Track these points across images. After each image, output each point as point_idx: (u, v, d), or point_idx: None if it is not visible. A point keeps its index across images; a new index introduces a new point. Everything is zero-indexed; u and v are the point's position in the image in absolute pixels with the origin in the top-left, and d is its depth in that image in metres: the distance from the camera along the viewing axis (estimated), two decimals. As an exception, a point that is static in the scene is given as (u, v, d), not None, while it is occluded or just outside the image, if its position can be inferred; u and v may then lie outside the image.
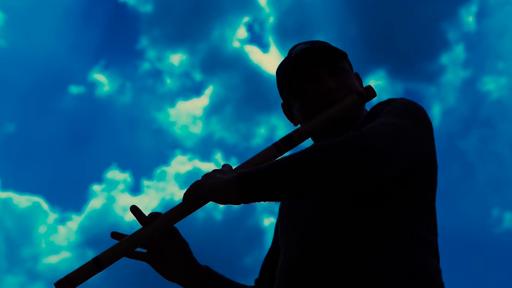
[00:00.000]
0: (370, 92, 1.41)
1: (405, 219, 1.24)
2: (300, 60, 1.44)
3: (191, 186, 1.31)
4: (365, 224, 1.22)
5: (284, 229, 1.36)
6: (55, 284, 1.26)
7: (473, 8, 10.72)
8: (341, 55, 1.46)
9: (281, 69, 1.50)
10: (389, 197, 1.25)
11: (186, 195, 1.31)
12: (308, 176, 1.14)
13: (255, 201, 1.21)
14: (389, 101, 1.34)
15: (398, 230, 1.22)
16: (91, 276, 1.27)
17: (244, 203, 1.22)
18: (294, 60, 1.45)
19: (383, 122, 1.22)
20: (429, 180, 1.31)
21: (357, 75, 1.52)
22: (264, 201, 1.21)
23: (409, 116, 1.26)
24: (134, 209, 1.33)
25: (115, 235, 1.33)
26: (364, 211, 1.24)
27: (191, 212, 1.32)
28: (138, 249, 1.37)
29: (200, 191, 1.29)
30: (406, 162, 1.20)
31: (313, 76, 1.43)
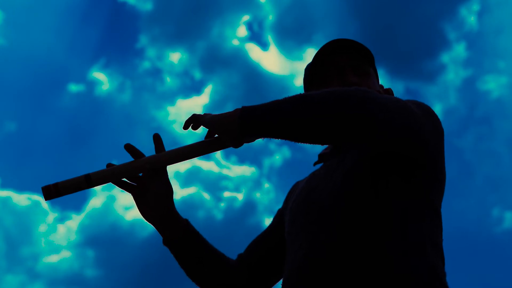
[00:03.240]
0: (389, 93, 1.42)
1: (413, 220, 1.23)
2: (327, 53, 1.48)
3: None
4: (374, 225, 1.22)
5: (294, 230, 1.35)
6: (42, 188, 1.29)
7: (475, 7, 10.72)
8: (369, 60, 1.50)
9: (310, 62, 1.53)
10: (398, 198, 1.24)
11: (192, 116, 1.33)
12: (307, 116, 1.15)
13: (253, 136, 1.22)
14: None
15: (406, 230, 1.22)
16: (78, 190, 1.30)
17: (242, 137, 1.22)
18: (321, 52, 1.49)
19: (393, 96, 1.23)
20: (435, 179, 1.29)
21: (382, 87, 1.53)
22: (263, 136, 1.21)
23: (419, 106, 1.27)
24: (129, 147, 1.35)
25: (128, 147, 1.35)
26: (373, 212, 1.23)
27: (188, 158, 1.33)
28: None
29: (204, 116, 1.30)
30: (407, 130, 1.17)
31: (336, 70, 1.47)
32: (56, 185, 1.29)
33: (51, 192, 1.29)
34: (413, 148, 1.21)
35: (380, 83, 1.56)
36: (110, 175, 1.32)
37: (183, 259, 1.44)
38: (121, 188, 1.37)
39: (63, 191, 1.29)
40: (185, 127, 1.34)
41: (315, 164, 1.50)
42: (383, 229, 1.21)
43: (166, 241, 1.43)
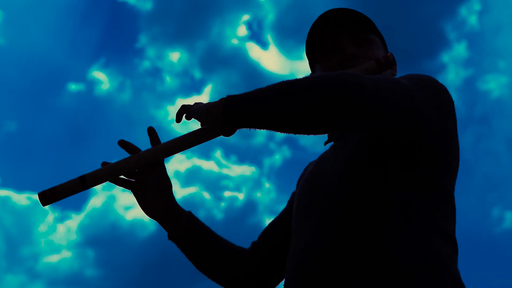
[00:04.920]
0: (389, 60, 1.36)
1: (417, 206, 1.17)
2: (325, 26, 1.43)
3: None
4: (373, 219, 1.16)
5: (298, 217, 1.30)
6: (38, 194, 1.29)
7: (476, 7, 10.71)
8: (370, 28, 1.43)
9: (308, 35, 1.48)
10: (401, 183, 1.19)
11: (181, 107, 1.33)
12: (290, 103, 1.11)
13: (238, 125, 1.19)
14: (406, 75, 1.27)
15: (409, 217, 1.16)
16: (75, 193, 1.30)
17: (228, 125, 1.20)
18: (319, 26, 1.44)
19: (386, 76, 1.17)
20: (443, 163, 1.22)
21: (391, 54, 1.45)
22: (248, 126, 1.19)
23: (420, 82, 1.20)
24: (123, 143, 1.34)
25: (123, 143, 1.35)
26: (372, 204, 1.17)
27: (183, 149, 1.32)
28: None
29: (192, 106, 1.30)
30: (399, 111, 1.12)
31: (336, 43, 1.41)
32: (52, 189, 1.29)
33: (47, 197, 1.28)
34: (410, 132, 1.16)
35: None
36: (106, 174, 1.30)
37: (189, 252, 1.43)
38: (119, 185, 1.35)
39: (60, 195, 1.29)
40: (178, 119, 1.33)
41: (325, 143, 1.45)
42: (383, 223, 1.16)
43: (170, 236, 1.42)
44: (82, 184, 1.29)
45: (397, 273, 1.12)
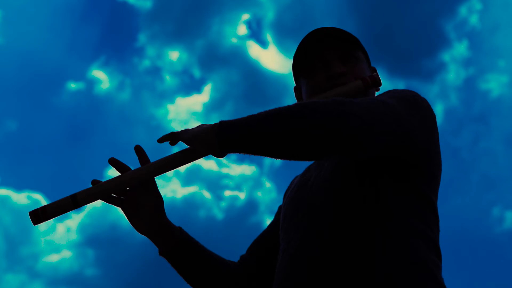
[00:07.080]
0: (375, 80, 1.41)
1: (403, 214, 1.21)
2: (313, 43, 1.46)
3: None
4: (364, 221, 1.19)
5: (285, 226, 1.34)
6: (29, 213, 1.29)
7: (477, 6, 10.71)
8: (356, 45, 1.47)
9: (296, 51, 1.51)
10: (387, 192, 1.22)
11: (170, 134, 1.32)
12: (283, 132, 1.13)
13: (232, 150, 1.20)
14: (390, 91, 1.32)
15: (396, 225, 1.19)
16: (65, 212, 1.30)
17: (221, 151, 1.21)
18: (307, 43, 1.47)
19: (373, 98, 1.21)
20: (428, 174, 1.27)
21: (374, 69, 1.51)
22: (240, 152, 1.20)
23: (404, 99, 1.24)
24: (113, 161, 1.35)
25: (113, 161, 1.35)
26: (361, 211, 1.21)
27: (173, 168, 1.32)
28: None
29: (183, 133, 1.29)
30: (391, 137, 1.17)
31: (323, 60, 1.44)
32: (43, 208, 1.29)
33: (39, 216, 1.29)
34: (400, 151, 1.21)
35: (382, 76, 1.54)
36: (97, 193, 1.31)
37: (180, 268, 1.43)
38: (110, 203, 1.35)
39: (51, 214, 1.29)
40: (160, 141, 1.33)
41: None
42: (373, 229, 1.18)
43: (161, 252, 1.42)
44: (73, 203, 1.29)
45: (387, 278, 1.13)
